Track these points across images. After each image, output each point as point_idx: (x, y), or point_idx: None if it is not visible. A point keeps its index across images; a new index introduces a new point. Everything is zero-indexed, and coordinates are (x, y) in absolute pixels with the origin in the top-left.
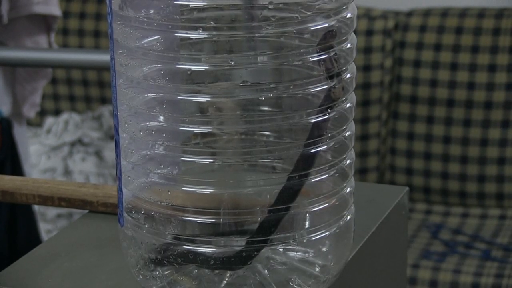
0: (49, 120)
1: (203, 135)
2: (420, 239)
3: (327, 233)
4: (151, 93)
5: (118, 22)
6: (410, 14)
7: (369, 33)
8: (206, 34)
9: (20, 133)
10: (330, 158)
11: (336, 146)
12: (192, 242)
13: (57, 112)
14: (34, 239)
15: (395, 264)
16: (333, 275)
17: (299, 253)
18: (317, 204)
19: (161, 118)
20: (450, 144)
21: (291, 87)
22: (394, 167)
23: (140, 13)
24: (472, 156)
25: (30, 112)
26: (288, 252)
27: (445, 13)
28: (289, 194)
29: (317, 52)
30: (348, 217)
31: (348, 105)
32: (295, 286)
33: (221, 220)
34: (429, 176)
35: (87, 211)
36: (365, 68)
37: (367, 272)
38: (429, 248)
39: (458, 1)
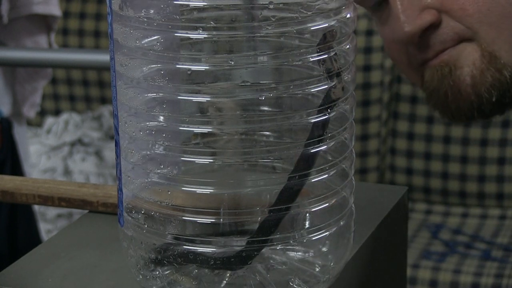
0: (49, 120)
1: (203, 135)
2: (420, 239)
3: (327, 233)
4: (151, 93)
5: (118, 22)
6: None
7: (369, 33)
8: (206, 34)
9: (20, 133)
10: (330, 158)
11: (336, 146)
12: (192, 242)
13: (57, 112)
14: (34, 239)
15: (395, 264)
16: (333, 275)
17: (299, 253)
18: (317, 204)
19: (161, 118)
20: (450, 144)
21: (291, 87)
22: (394, 167)
23: (140, 13)
24: (472, 156)
25: (30, 112)
26: (288, 252)
27: None
28: (289, 194)
29: (317, 52)
30: (348, 217)
31: (348, 105)
32: (295, 286)
33: (221, 220)
34: (429, 176)
35: (87, 211)
36: (365, 68)
37: (367, 272)
38: (429, 248)
39: None
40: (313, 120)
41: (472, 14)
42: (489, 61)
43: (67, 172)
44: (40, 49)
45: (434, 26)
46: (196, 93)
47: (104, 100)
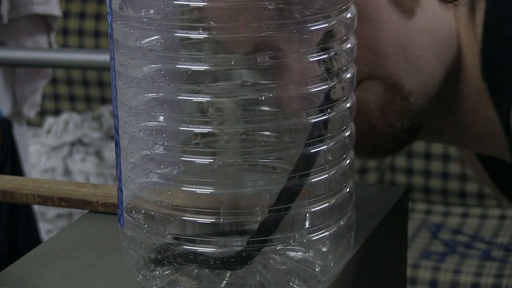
0: (49, 120)
1: (203, 135)
2: (420, 239)
3: (327, 233)
4: (151, 93)
5: (118, 22)
6: None
7: None
8: (206, 34)
9: (20, 133)
10: (330, 158)
11: (336, 146)
12: (192, 242)
13: (57, 112)
14: (34, 239)
15: (395, 264)
16: (333, 275)
17: (299, 253)
18: (317, 204)
19: (161, 118)
20: None
21: (291, 87)
22: (394, 167)
23: (140, 13)
24: None
25: (30, 112)
26: (288, 252)
27: None
28: (289, 194)
29: (317, 52)
30: (348, 217)
31: (348, 105)
32: (295, 286)
33: (221, 220)
34: (429, 176)
35: (87, 211)
36: None
37: (367, 272)
38: (429, 248)
39: None
40: (313, 120)
41: (364, 53)
42: (393, 90)
43: (67, 172)
44: (40, 49)
45: None
46: (196, 93)
47: (104, 100)
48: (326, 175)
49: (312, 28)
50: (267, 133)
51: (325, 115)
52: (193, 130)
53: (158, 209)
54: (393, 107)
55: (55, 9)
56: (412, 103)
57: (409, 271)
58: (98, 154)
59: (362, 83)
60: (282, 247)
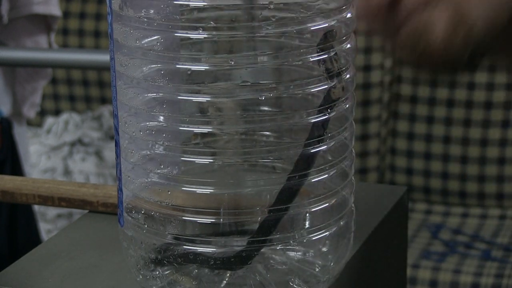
0: (49, 120)
1: (203, 135)
2: (420, 239)
3: (327, 233)
4: (151, 93)
5: (118, 22)
6: None
7: None
8: (206, 34)
9: (20, 133)
10: (330, 158)
11: (336, 146)
12: (192, 242)
13: (57, 112)
14: (34, 239)
15: (395, 264)
16: (333, 275)
17: (299, 253)
18: (317, 204)
19: (161, 118)
20: (450, 144)
21: (291, 87)
22: (394, 167)
23: (140, 13)
24: (472, 156)
25: (30, 112)
26: (288, 252)
27: None
28: (289, 194)
29: (317, 52)
30: (348, 217)
31: (348, 105)
32: (295, 286)
33: (221, 220)
34: (429, 176)
35: (87, 211)
36: (365, 68)
37: (367, 272)
38: (429, 248)
39: None
40: (313, 120)
41: None
42: (458, 19)
43: (67, 172)
44: (40, 49)
45: None
46: (196, 93)
47: (104, 100)
48: (326, 175)
49: (312, 28)
50: (267, 133)
51: (325, 115)
52: (193, 130)
53: (158, 209)
54: (457, 35)
55: (55, 9)
56: (475, 37)
57: (409, 271)
58: (98, 154)
59: (428, 8)
60: (282, 247)
